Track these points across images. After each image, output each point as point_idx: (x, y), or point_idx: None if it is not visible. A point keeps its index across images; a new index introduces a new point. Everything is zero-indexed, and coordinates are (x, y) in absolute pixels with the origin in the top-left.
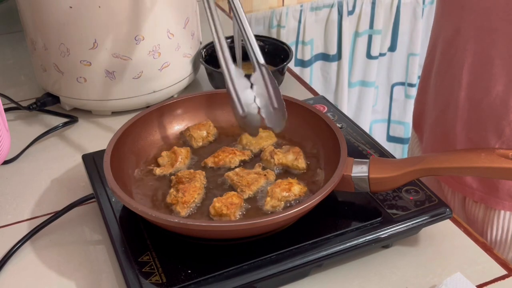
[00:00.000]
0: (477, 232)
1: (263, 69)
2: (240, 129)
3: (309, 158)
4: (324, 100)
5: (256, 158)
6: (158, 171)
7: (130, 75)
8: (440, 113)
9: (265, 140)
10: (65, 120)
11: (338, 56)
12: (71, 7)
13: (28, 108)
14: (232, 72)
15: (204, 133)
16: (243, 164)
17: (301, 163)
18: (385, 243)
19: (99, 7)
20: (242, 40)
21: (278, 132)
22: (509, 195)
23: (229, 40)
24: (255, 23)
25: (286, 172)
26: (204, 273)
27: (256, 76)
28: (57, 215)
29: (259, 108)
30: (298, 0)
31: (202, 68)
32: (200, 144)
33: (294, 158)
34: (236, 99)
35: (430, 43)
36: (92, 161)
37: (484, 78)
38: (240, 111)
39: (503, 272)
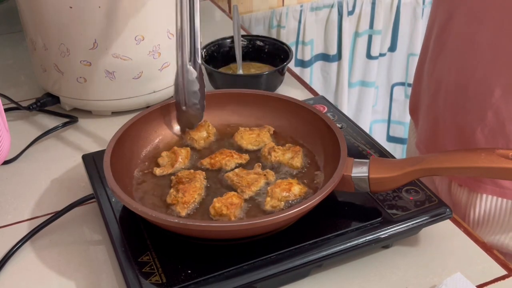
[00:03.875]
0: (460, 214)
1: (202, 68)
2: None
3: (309, 158)
4: (324, 100)
5: (254, 160)
6: (158, 171)
7: (130, 75)
8: (431, 98)
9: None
10: (65, 120)
11: (338, 56)
12: (71, 7)
13: (28, 108)
14: (185, 69)
15: (204, 133)
16: (240, 167)
17: (297, 162)
18: (385, 243)
19: (99, 7)
20: (242, 40)
21: (194, 125)
22: (491, 180)
23: (229, 40)
24: (255, 23)
25: (284, 171)
26: (204, 273)
27: (198, 75)
28: (57, 215)
29: (196, 105)
30: (298, 0)
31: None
32: (202, 145)
33: (291, 156)
34: (182, 94)
35: (426, 31)
36: (92, 161)
37: (471, 62)
38: (184, 106)
39: (503, 272)
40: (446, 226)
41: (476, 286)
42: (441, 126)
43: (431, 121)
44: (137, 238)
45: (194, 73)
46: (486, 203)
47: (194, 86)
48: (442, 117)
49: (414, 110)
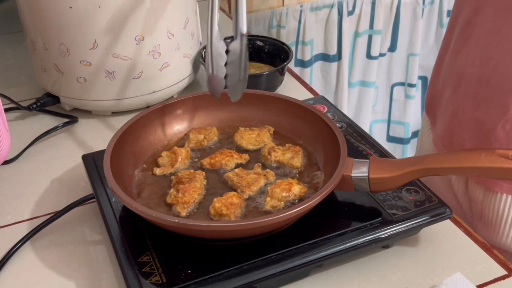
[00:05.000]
0: (477, 212)
1: (243, 40)
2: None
3: (309, 158)
4: (324, 100)
5: (254, 159)
6: (158, 171)
7: (130, 75)
8: (452, 90)
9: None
10: (65, 120)
11: (338, 56)
12: (71, 7)
13: (28, 108)
14: (214, 32)
15: (202, 137)
16: (240, 167)
17: (297, 162)
18: (385, 243)
19: (99, 7)
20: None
21: (233, 101)
22: None
23: (229, 40)
24: (255, 23)
25: (284, 171)
26: (204, 273)
27: (234, 44)
28: (57, 215)
29: (226, 74)
30: (298, 0)
31: (202, 68)
32: (202, 145)
33: (291, 156)
34: (210, 58)
35: (448, 25)
36: (92, 161)
37: (495, 55)
38: (210, 70)
39: (503, 272)
40: (446, 226)
41: (476, 286)
42: (460, 120)
43: (450, 115)
44: (137, 238)
45: (221, 37)
46: (502, 202)
47: (221, 60)
48: (462, 111)
49: (431, 106)
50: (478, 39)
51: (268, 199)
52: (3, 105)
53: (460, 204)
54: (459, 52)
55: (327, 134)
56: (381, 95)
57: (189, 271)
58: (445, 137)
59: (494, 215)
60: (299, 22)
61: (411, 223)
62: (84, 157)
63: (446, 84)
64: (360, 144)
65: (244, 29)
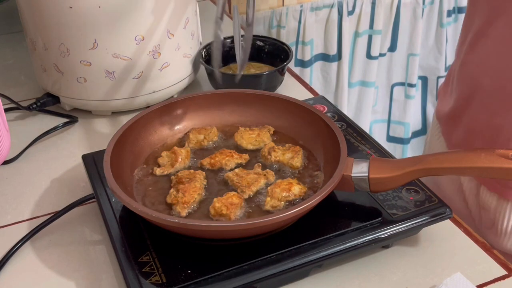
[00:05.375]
0: (489, 220)
1: (250, 30)
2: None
3: (309, 158)
4: (324, 100)
5: (254, 159)
6: (158, 171)
7: (130, 75)
8: (464, 101)
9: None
10: (65, 120)
11: (338, 56)
12: (71, 7)
13: (28, 108)
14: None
15: (202, 137)
16: (240, 167)
17: (297, 162)
18: (385, 243)
19: (99, 7)
20: (242, 40)
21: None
22: None
23: (229, 40)
24: (255, 23)
25: (284, 171)
26: (204, 273)
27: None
28: (57, 215)
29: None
30: (298, 0)
31: (202, 68)
32: (202, 145)
33: (291, 156)
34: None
35: (460, 37)
36: (92, 161)
37: (509, 63)
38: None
39: (503, 272)
40: (446, 226)
41: (476, 286)
42: (475, 130)
43: (464, 125)
44: (137, 238)
45: (219, 37)
46: None
47: (218, 45)
48: (477, 121)
49: (442, 116)
50: (491, 48)
51: (268, 199)
52: (3, 105)
53: (470, 210)
54: (471, 62)
55: (327, 134)
56: (381, 95)
57: (189, 271)
58: (460, 146)
59: (509, 224)
60: (299, 22)
61: (411, 223)
62: (84, 157)
63: (459, 93)
64: (360, 144)
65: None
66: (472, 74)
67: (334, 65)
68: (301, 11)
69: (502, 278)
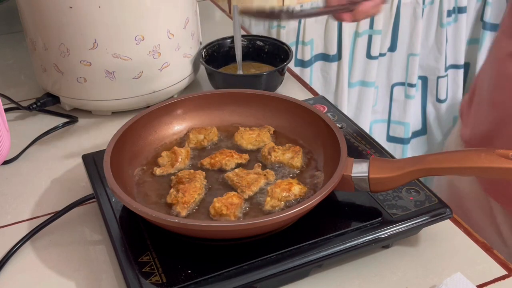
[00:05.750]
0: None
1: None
2: None
3: (309, 158)
4: (324, 100)
5: (254, 159)
6: (158, 171)
7: (130, 75)
8: (495, 126)
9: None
10: (65, 120)
11: (338, 56)
12: (71, 7)
13: (28, 108)
14: None
15: (202, 137)
16: (240, 167)
17: (297, 162)
18: (385, 243)
19: (99, 7)
20: (242, 40)
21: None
22: None
23: (229, 40)
24: (255, 23)
25: (284, 171)
26: (204, 273)
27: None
28: (57, 215)
29: None
30: (298, 0)
31: (202, 68)
32: (202, 145)
33: (291, 156)
34: None
35: (485, 64)
36: (92, 161)
37: None
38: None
39: (503, 272)
40: (446, 226)
41: (476, 286)
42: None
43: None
44: (137, 238)
45: None
46: None
47: None
48: (507, 145)
49: (471, 138)
50: None
51: (268, 199)
52: (3, 105)
53: (502, 234)
54: (503, 88)
55: (327, 134)
56: (381, 95)
57: (189, 271)
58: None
59: None
60: (299, 22)
61: (411, 223)
62: (84, 157)
63: (487, 120)
64: (360, 144)
65: None
66: (502, 99)
67: (334, 65)
68: (301, 11)
69: (502, 278)
